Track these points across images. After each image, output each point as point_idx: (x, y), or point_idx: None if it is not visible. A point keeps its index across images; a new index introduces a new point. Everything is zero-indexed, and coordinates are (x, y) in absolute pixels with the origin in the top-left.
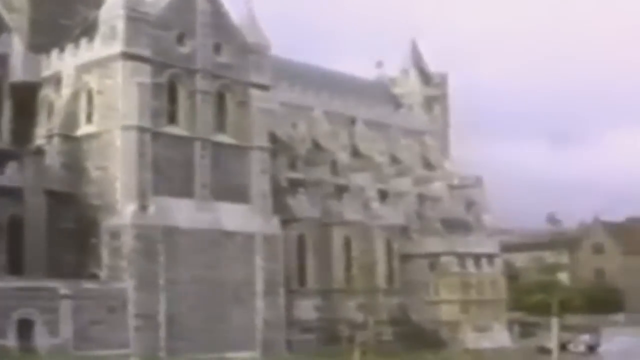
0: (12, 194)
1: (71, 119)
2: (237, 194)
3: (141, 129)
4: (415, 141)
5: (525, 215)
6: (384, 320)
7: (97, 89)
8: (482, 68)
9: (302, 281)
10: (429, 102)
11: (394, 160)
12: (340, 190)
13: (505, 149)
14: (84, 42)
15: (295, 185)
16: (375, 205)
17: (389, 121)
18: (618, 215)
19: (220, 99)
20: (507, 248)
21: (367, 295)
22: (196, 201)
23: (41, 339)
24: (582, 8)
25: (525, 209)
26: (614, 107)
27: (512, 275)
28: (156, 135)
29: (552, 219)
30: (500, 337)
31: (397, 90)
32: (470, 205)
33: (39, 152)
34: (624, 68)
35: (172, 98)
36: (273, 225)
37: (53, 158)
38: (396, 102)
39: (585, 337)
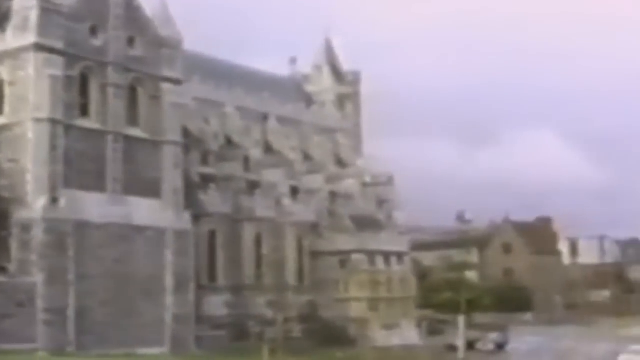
0: None
1: None
2: (149, 188)
3: (53, 122)
4: (327, 138)
5: (436, 213)
6: (294, 317)
7: (8, 80)
8: (396, 66)
9: (212, 277)
10: (342, 100)
11: (306, 157)
12: (252, 187)
13: (417, 147)
14: None
15: (207, 180)
16: (287, 202)
17: (302, 118)
18: (527, 215)
19: (132, 92)
20: (417, 246)
21: (277, 292)
22: (108, 195)
23: None
24: (495, 7)
25: (436, 208)
26: (525, 107)
27: (421, 273)
28: (68, 128)
29: (461, 218)
30: (409, 334)
31: (310, 88)
32: (381, 203)
33: None
34: (534, 69)
35: (85, 91)
36: (184, 220)
37: None
38: (309, 99)
39: (494, 336)
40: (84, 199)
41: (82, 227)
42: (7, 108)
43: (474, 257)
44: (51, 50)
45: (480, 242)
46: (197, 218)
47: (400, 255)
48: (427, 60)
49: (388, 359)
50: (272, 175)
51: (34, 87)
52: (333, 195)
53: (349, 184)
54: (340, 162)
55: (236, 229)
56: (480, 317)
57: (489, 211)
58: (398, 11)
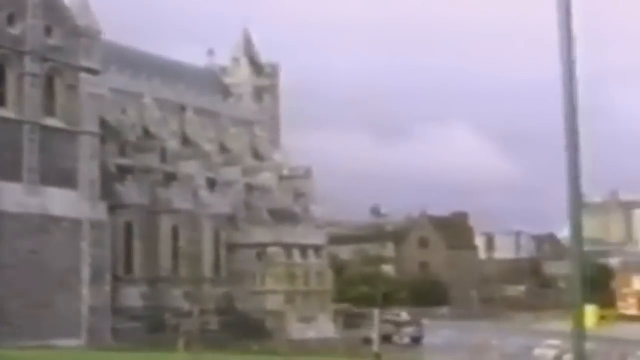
0: None
1: None
2: (65, 178)
3: None
4: (244, 130)
5: (352, 207)
6: (210, 309)
7: None
8: (313, 59)
9: (128, 269)
10: (260, 92)
11: (223, 149)
12: (169, 178)
13: (334, 140)
14: None
15: (123, 171)
16: (204, 193)
17: (219, 110)
18: (443, 209)
19: (49, 82)
20: (333, 240)
21: (193, 284)
22: (23, 185)
23: None
24: (411, 2)
25: (352, 201)
26: (440, 102)
27: (338, 266)
28: None
29: (376, 212)
30: (325, 327)
31: (227, 79)
32: (298, 196)
33: None
34: (449, 64)
35: (1, 80)
36: (100, 211)
37: None
38: (226, 91)
39: (410, 329)
40: None
41: None
42: None
43: (390, 251)
44: None
45: (397, 236)
46: (113, 209)
47: (316, 249)
48: (345, 54)
49: (304, 352)
50: (188, 167)
51: None
52: (250, 187)
53: (266, 177)
54: (257, 155)
55: (153, 220)
56: (396, 311)
57: (405, 205)
58: (315, 4)
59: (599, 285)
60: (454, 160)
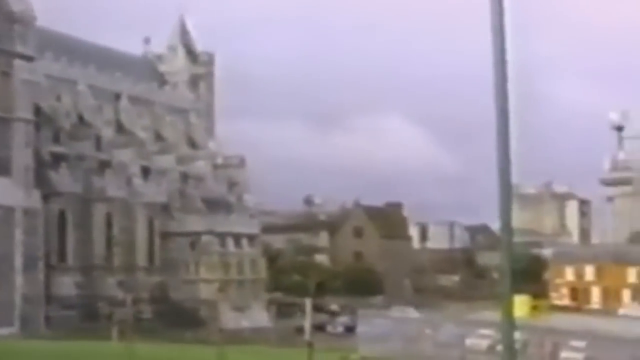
0: None
1: None
2: None
3: None
4: (179, 119)
5: (286, 196)
6: (144, 298)
7: None
8: (249, 48)
9: (62, 257)
10: (195, 80)
11: (158, 137)
12: (104, 166)
13: (268, 130)
14: None
15: (58, 159)
16: (138, 182)
17: (154, 98)
18: (378, 199)
19: None
20: (267, 229)
21: (127, 273)
22: None
23: None
24: None
25: (287, 191)
26: (374, 92)
27: (271, 256)
28: None
29: (309, 202)
30: (258, 316)
31: (163, 67)
32: (232, 185)
33: None
34: (383, 53)
35: None
36: (34, 199)
37: None
38: (162, 79)
39: (343, 319)
40: None
41: None
42: None
43: (324, 240)
44: None
45: (331, 226)
46: (47, 197)
47: (250, 238)
48: (280, 43)
49: (237, 342)
50: (123, 155)
51: None
52: (184, 176)
53: (201, 165)
54: (192, 143)
55: (87, 208)
56: (330, 300)
57: (340, 195)
58: None
59: (532, 276)
60: (388, 151)
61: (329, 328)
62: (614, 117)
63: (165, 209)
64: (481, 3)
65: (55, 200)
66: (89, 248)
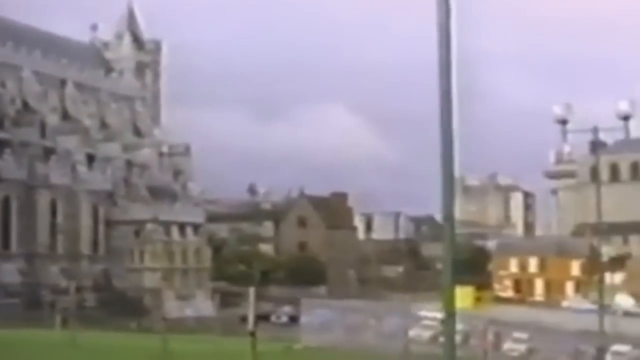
0: None
1: None
2: None
3: None
4: (125, 106)
5: (231, 185)
6: (88, 286)
7: None
8: (195, 37)
9: (5, 244)
10: (142, 68)
11: (103, 124)
12: (48, 153)
13: (213, 119)
14: None
15: (2, 145)
16: (82, 169)
17: (100, 85)
18: (323, 189)
19: None
20: (212, 218)
21: (71, 261)
22: None
23: None
24: None
25: (231, 180)
26: (319, 82)
27: (216, 244)
28: None
29: (252, 191)
30: (203, 306)
31: (109, 55)
32: (177, 173)
33: None
34: (327, 44)
35: None
36: None
37: None
38: (108, 67)
39: (287, 309)
40: None
41: None
42: None
43: (269, 230)
44: None
45: (276, 215)
46: None
47: (195, 226)
48: (227, 33)
49: (181, 331)
50: (68, 142)
51: None
52: (129, 164)
53: (146, 153)
54: (138, 131)
55: (31, 195)
56: (274, 290)
57: (284, 185)
58: None
59: (475, 267)
60: (333, 141)
61: (273, 318)
62: (558, 110)
63: (109, 196)
64: None
65: None
66: (33, 235)
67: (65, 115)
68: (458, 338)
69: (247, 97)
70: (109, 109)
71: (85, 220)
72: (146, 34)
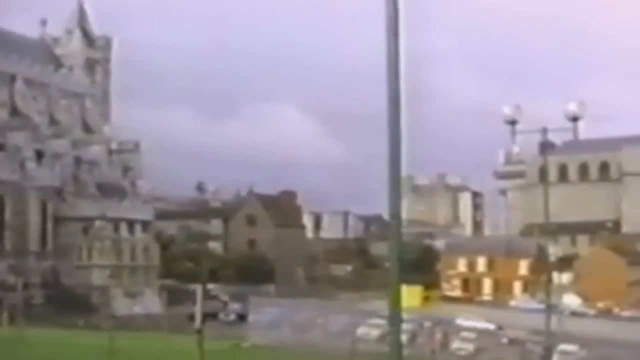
0: None
1: None
2: None
3: None
4: (75, 103)
5: (180, 183)
6: (35, 283)
7: None
8: (148, 34)
9: None
10: (92, 65)
11: (53, 121)
12: None
13: (164, 116)
14: None
15: None
16: (31, 165)
17: (50, 81)
18: (272, 188)
19: None
20: (161, 215)
21: (18, 257)
22: None
23: None
24: None
25: (181, 178)
26: (268, 82)
27: (164, 242)
28: None
29: (201, 189)
30: (151, 303)
31: (59, 51)
32: (127, 170)
33: None
34: (279, 43)
35: None
36: None
37: None
38: (58, 63)
39: (236, 307)
40: None
41: None
42: None
43: (218, 228)
44: None
45: (225, 213)
46: None
47: (144, 224)
48: (179, 31)
49: (128, 328)
50: (17, 138)
51: None
52: (78, 160)
53: (95, 150)
54: (87, 128)
55: None
56: (223, 288)
57: (234, 183)
58: None
59: (424, 266)
60: (282, 140)
61: (222, 316)
62: (507, 110)
63: (58, 193)
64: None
65: None
66: None
67: (14, 111)
68: (406, 337)
69: (198, 95)
70: (59, 105)
71: (34, 217)
72: (96, 30)
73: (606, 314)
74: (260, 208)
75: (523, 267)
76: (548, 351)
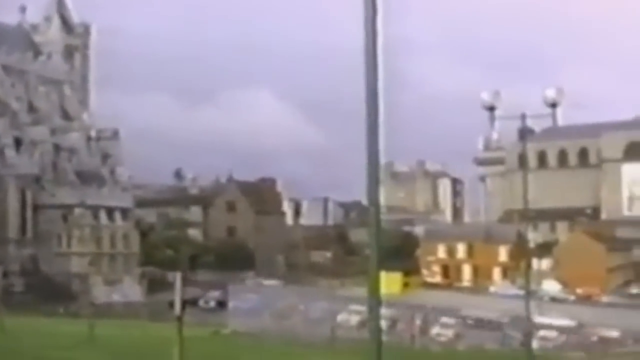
0: None
1: None
2: None
3: None
4: (54, 90)
5: (159, 170)
6: (15, 271)
7: None
8: (126, 21)
9: None
10: (71, 52)
11: (31, 108)
12: None
13: (142, 103)
14: None
15: None
16: (10, 153)
17: (28, 68)
18: (251, 175)
19: None
20: (140, 202)
21: None
22: None
23: None
24: None
25: (160, 165)
26: (246, 68)
27: (144, 229)
28: None
29: (179, 176)
30: (131, 291)
31: (38, 38)
32: (106, 158)
33: None
34: (257, 29)
35: None
36: None
37: None
38: (37, 50)
39: (215, 294)
40: None
41: None
42: None
43: (197, 215)
44: None
45: (205, 200)
46: None
47: (123, 211)
48: (156, 18)
49: (108, 316)
50: None
51: None
52: (57, 148)
53: (74, 137)
54: (66, 115)
55: None
56: (202, 275)
57: (213, 170)
58: None
59: (403, 253)
60: (261, 127)
61: (201, 303)
62: (486, 97)
63: (37, 180)
64: None
65: None
66: None
67: None
68: (385, 324)
69: (176, 82)
70: (37, 92)
71: (13, 205)
72: (75, 17)
73: (585, 299)
74: (239, 195)
75: (503, 253)
76: (528, 337)
